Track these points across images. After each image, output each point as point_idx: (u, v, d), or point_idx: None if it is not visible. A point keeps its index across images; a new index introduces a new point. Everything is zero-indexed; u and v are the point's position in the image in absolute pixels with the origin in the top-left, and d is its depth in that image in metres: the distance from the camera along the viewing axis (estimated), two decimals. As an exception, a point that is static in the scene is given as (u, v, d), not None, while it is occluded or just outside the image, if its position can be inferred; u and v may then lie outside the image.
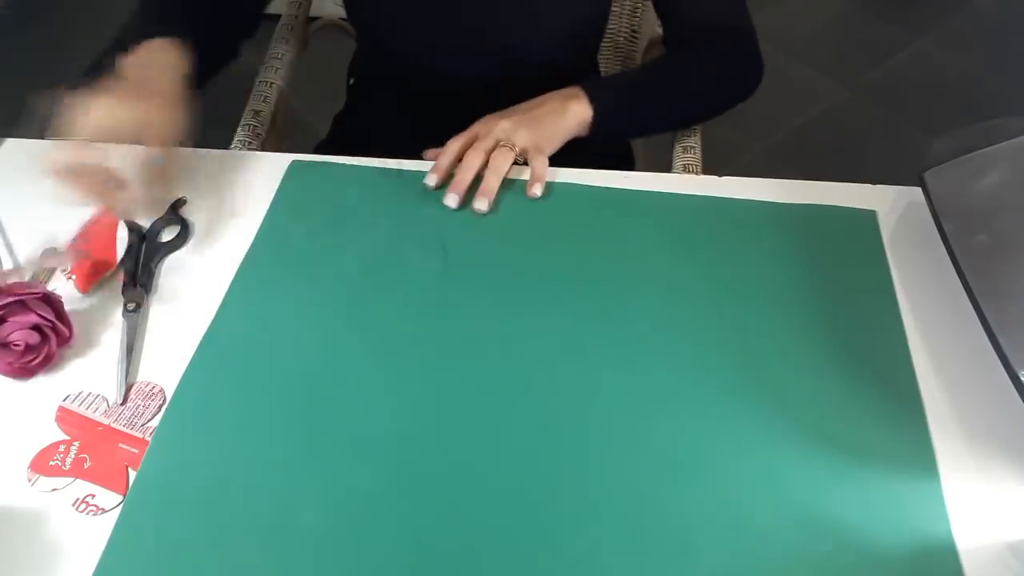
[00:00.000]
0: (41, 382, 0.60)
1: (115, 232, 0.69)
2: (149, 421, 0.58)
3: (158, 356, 0.62)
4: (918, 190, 0.68)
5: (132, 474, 0.55)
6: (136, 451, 0.56)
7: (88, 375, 0.61)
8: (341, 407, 0.59)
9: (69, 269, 0.66)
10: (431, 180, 0.73)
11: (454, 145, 0.74)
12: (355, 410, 0.58)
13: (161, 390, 0.60)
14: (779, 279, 0.67)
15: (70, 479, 0.55)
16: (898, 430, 0.58)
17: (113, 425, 0.58)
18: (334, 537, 0.52)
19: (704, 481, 0.55)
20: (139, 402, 0.59)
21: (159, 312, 0.65)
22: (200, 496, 0.54)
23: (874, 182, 0.74)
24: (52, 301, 0.60)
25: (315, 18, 1.11)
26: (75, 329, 0.61)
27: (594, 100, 0.77)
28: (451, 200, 0.71)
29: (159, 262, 0.68)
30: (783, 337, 0.63)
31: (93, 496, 0.54)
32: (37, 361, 0.59)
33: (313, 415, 0.58)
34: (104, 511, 0.53)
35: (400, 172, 0.74)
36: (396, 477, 0.55)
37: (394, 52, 0.88)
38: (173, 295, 0.66)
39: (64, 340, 0.60)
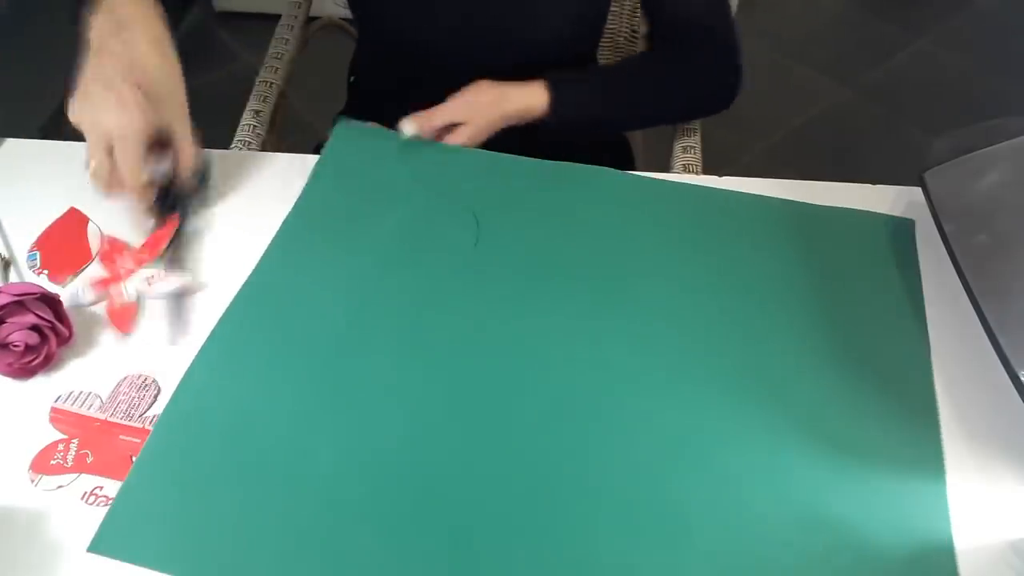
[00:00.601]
0: (39, 382, 0.60)
1: (86, 227, 0.69)
2: (146, 411, 0.58)
3: (150, 347, 0.62)
4: (918, 190, 0.68)
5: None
6: (138, 440, 0.57)
7: (85, 374, 0.60)
8: (366, 364, 0.61)
9: (39, 264, 0.67)
10: (408, 127, 0.76)
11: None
12: (379, 367, 0.61)
13: (154, 381, 0.60)
14: (800, 278, 0.67)
15: (74, 475, 0.55)
16: (908, 432, 0.58)
17: (110, 419, 0.58)
18: (347, 486, 0.54)
19: (704, 470, 0.56)
20: (133, 394, 0.59)
21: (153, 306, 0.65)
22: (223, 435, 0.56)
23: (874, 182, 0.74)
24: (51, 301, 0.60)
25: (315, 18, 1.11)
26: (75, 329, 0.61)
27: (553, 89, 0.79)
28: (407, 126, 0.76)
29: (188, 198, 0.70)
30: (805, 336, 0.63)
31: (101, 488, 0.54)
32: (37, 361, 0.59)
33: (339, 369, 0.60)
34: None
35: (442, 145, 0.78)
36: (412, 434, 0.57)
37: (395, 49, 0.89)
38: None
39: (64, 340, 0.60)
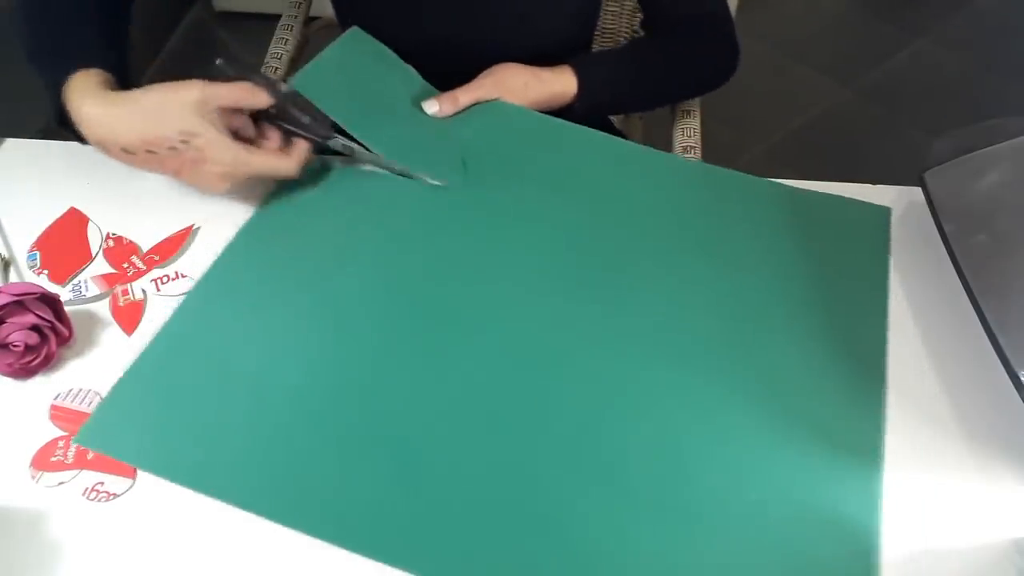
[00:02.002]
0: (39, 382, 0.60)
1: (86, 227, 0.69)
2: None
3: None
4: (918, 190, 0.68)
5: None
6: None
7: (85, 374, 0.60)
8: (353, 290, 0.64)
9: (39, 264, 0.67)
10: (431, 107, 0.75)
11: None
12: (366, 292, 0.64)
13: None
14: (777, 260, 0.68)
15: (75, 471, 0.55)
16: (852, 420, 0.58)
17: None
18: (322, 401, 0.58)
19: (646, 418, 0.58)
20: None
21: (159, 308, 0.65)
22: (212, 353, 0.60)
23: (874, 182, 0.74)
24: (51, 301, 0.60)
25: (315, 18, 1.11)
26: (75, 329, 0.61)
27: (581, 75, 0.79)
28: (430, 106, 0.75)
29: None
30: (768, 312, 0.64)
31: (102, 484, 0.55)
32: (37, 361, 0.59)
33: (329, 297, 0.63)
34: (116, 496, 0.54)
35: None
36: (391, 359, 0.60)
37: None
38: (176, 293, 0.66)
39: (64, 340, 0.60)
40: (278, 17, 1.08)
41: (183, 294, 0.65)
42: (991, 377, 0.60)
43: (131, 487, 0.55)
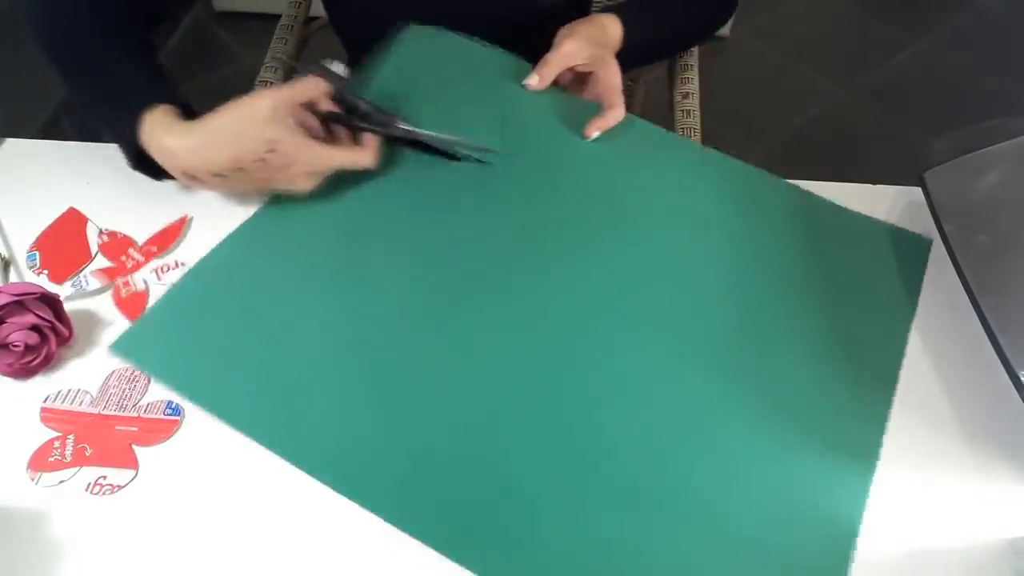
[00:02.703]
0: (39, 382, 0.60)
1: (85, 226, 0.69)
2: (140, 400, 0.59)
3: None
4: (918, 190, 0.68)
5: (137, 450, 0.56)
6: (135, 429, 0.57)
7: (86, 374, 0.60)
8: (381, 255, 0.66)
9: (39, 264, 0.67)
10: (533, 80, 0.75)
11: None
12: (392, 258, 0.66)
13: (139, 373, 0.60)
14: (806, 270, 0.67)
15: (75, 469, 0.55)
16: (854, 421, 0.59)
17: (103, 412, 0.58)
18: (383, 386, 0.59)
19: (634, 407, 0.58)
20: (123, 386, 0.59)
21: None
22: (249, 292, 0.63)
23: (874, 182, 0.74)
24: (51, 301, 0.60)
25: (315, 18, 1.11)
26: (75, 329, 0.62)
27: (623, 17, 0.78)
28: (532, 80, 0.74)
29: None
30: (786, 319, 0.64)
31: (105, 477, 0.55)
32: (37, 361, 0.59)
33: (357, 257, 0.66)
34: (120, 487, 0.54)
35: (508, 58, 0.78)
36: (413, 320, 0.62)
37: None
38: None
39: (64, 340, 0.61)
40: (278, 17, 1.08)
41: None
42: (991, 377, 0.60)
43: (134, 478, 0.55)
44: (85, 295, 0.65)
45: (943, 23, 2.15)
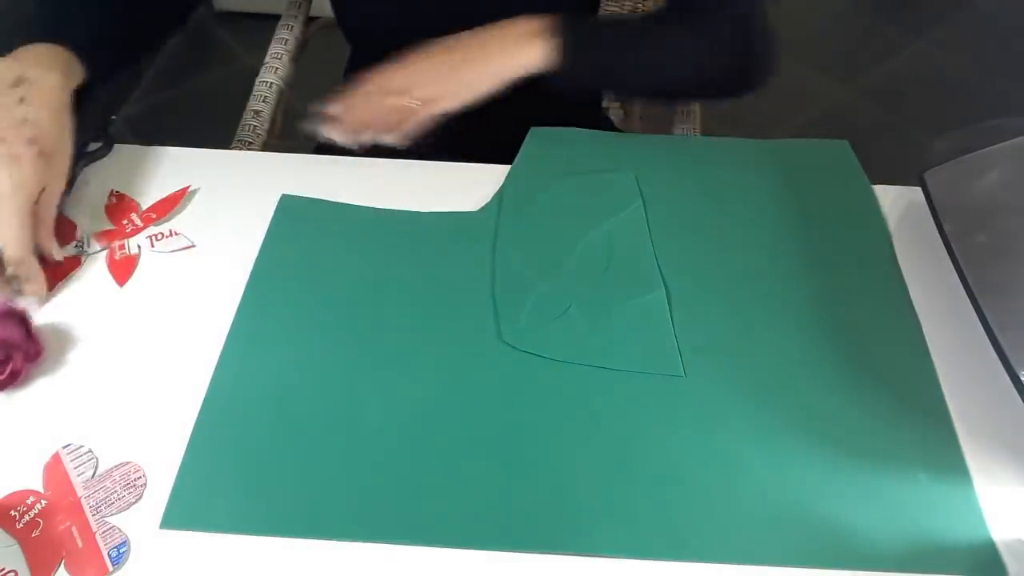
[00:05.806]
0: (1, 400, 0.58)
1: (75, 232, 0.69)
2: (114, 515, 0.52)
3: (119, 374, 0.60)
4: (918, 190, 0.68)
5: (62, 570, 0.50)
6: (80, 545, 0.51)
7: (54, 394, 0.59)
8: (384, 323, 0.64)
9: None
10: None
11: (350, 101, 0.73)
12: (396, 324, 0.64)
13: (144, 480, 0.54)
14: (771, 218, 0.71)
15: (12, 542, 0.51)
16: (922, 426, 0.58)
17: (83, 501, 0.53)
18: (393, 434, 0.57)
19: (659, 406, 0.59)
20: (117, 489, 0.54)
21: (151, 263, 0.65)
22: (266, 401, 0.59)
23: (874, 182, 0.74)
24: (18, 317, 0.58)
25: (315, 18, 1.11)
26: (44, 347, 0.60)
27: (564, 35, 0.69)
28: (332, 133, 0.72)
29: (81, 168, 0.71)
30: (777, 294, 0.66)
31: (15, 574, 0.49)
32: (2, 378, 0.57)
33: (359, 325, 0.63)
34: None
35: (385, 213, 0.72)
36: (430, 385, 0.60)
37: (384, 52, 0.88)
38: (183, 294, 0.66)
39: (32, 357, 0.58)
40: (278, 17, 1.08)
41: (174, 251, 0.67)
42: (991, 377, 0.60)
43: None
44: (87, 255, 0.67)
45: (943, 23, 2.15)
